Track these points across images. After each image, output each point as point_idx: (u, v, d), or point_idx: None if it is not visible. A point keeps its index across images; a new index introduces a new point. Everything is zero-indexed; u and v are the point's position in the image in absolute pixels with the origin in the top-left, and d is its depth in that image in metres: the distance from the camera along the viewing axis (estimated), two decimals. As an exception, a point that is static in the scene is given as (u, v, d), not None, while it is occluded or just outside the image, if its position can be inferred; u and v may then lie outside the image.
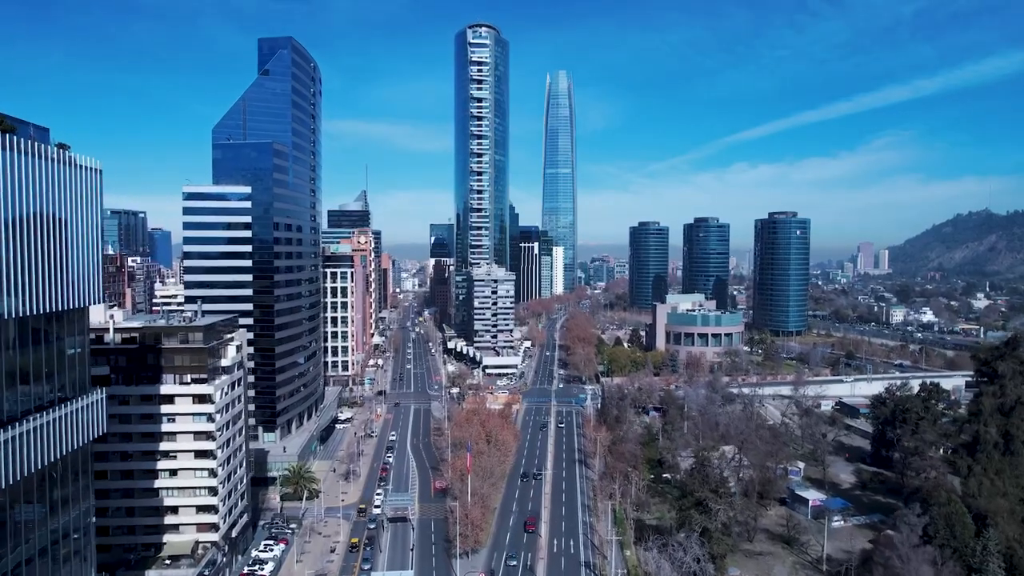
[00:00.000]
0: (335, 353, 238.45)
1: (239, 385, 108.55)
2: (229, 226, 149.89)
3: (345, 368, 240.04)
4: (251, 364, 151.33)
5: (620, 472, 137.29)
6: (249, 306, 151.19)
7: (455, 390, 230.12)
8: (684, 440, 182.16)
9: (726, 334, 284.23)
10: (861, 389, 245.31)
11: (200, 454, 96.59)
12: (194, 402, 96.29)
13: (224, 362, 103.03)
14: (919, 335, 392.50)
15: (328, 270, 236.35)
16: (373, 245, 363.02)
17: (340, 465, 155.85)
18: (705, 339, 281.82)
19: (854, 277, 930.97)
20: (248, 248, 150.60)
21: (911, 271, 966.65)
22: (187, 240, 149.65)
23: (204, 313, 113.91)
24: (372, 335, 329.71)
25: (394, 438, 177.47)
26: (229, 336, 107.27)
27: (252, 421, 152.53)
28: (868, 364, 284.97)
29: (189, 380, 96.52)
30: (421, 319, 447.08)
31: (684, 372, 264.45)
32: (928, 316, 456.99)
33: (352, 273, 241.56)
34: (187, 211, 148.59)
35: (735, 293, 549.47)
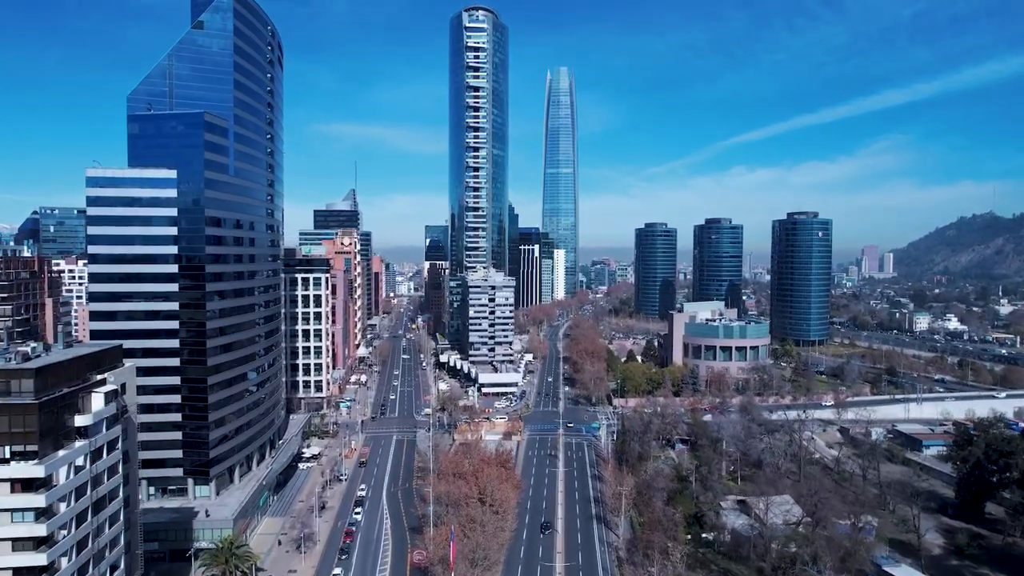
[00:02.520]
0: (307, 371, 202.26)
1: (115, 449, 72.32)
2: (147, 221, 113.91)
3: (319, 388, 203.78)
4: (176, 399, 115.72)
5: (656, 547, 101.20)
6: (175, 323, 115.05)
7: (445, 415, 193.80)
8: (724, 486, 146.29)
9: (751, 347, 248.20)
10: (914, 411, 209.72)
11: (21, 573, 60.26)
12: (15, 490, 60.06)
13: (80, 420, 66.86)
14: (951, 345, 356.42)
15: (299, 276, 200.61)
16: (359, 247, 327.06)
17: (294, 526, 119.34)
18: (728, 353, 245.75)
19: (859, 280, 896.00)
20: (172, 249, 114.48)
21: (916, 274, 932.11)
22: (91, 239, 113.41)
23: (73, 343, 77.80)
24: (357, 346, 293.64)
25: (363, 492, 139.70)
26: (98, 378, 71.02)
27: (179, 471, 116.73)
28: (912, 382, 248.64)
29: (8, 455, 60.33)
30: (414, 326, 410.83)
31: (707, 391, 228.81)
32: (953, 323, 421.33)
33: (327, 279, 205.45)
34: (92, 201, 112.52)
35: (743, 298, 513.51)
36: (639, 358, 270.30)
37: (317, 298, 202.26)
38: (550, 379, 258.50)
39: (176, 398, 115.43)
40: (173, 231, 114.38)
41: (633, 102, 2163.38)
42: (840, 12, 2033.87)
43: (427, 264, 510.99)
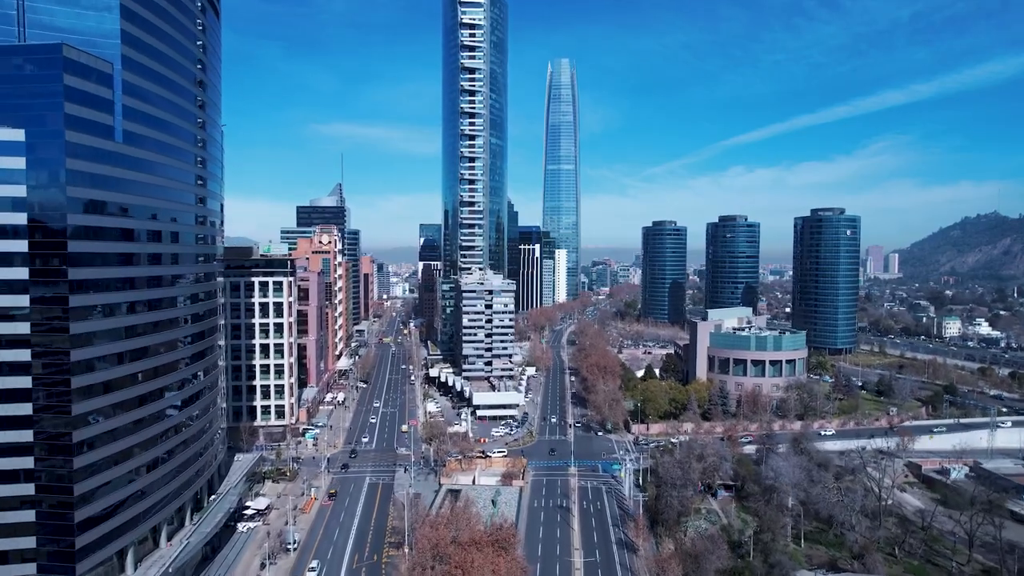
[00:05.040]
0: (265, 395, 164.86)
1: None
2: (-21, 204, 76.57)
3: (280, 415, 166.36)
4: (29, 462, 78.27)
5: None
6: (26, 353, 77.50)
7: (432, 447, 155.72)
8: (792, 558, 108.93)
9: (787, 361, 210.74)
10: (986, 439, 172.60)
11: None
12: None
13: None
14: (990, 353, 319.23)
15: (256, 280, 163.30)
16: (343, 246, 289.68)
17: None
18: (761, 367, 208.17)
19: (866, 281, 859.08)
20: (20, 245, 76.97)
21: (923, 275, 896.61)
22: None
23: None
24: (338, 357, 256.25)
25: (314, 571, 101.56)
26: None
27: (31, 569, 79.08)
28: (978, 403, 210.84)
29: None
30: (405, 332, 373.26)
31: (741, 413, 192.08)
32: (985, 328, 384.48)
33: (291, 283, 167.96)
34: None
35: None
36: (656, 371, 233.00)
37: (278, 306, 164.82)
38: (556, 398, 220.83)
39: (28, 461, 78.03)
40: (21, 219, 76.92)
41: (631, 103, 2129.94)
42: (838, 13, 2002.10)
43: (421, 265, 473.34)
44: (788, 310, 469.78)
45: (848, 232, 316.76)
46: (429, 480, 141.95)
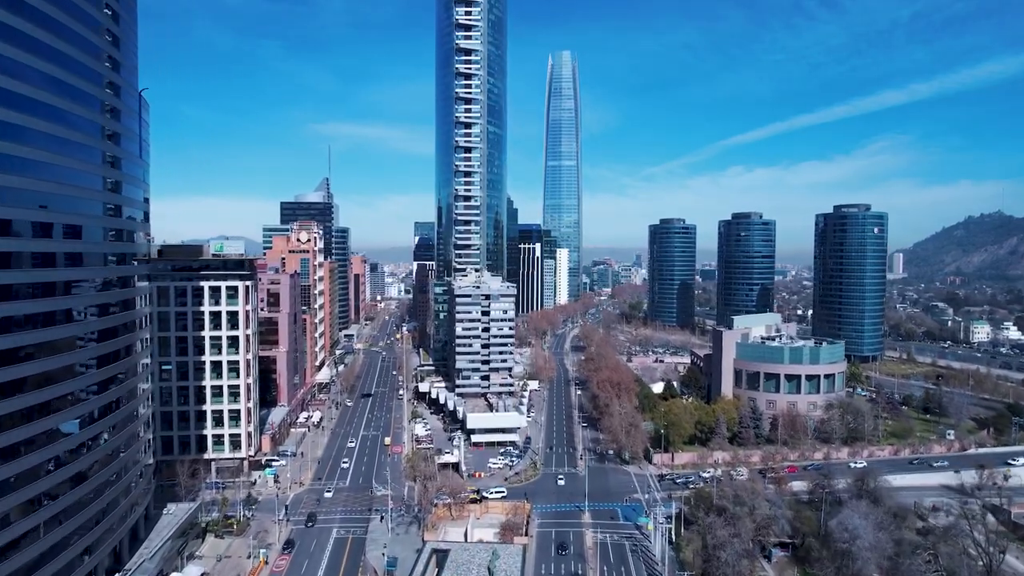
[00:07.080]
0: (218, 421, 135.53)
1: None
2: None
3: (236, 446, 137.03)
4: None
5: None
6: None
7: (417, 487, 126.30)
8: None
9: (825, 375, 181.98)
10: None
11: None
12: None
13: None
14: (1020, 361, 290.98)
15: (206, 284, 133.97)
16: (323, 245, 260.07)
17: None
18: (795, 383, 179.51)
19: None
20: None
21: (927, 275, 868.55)
22: None
23: None
24: (319, 368, 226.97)
25: None
26: None
27: None
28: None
29: None
30: (397, 336, 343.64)
31: (778, 438, 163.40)
32: (1015, 333, 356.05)
33: (248, 288, 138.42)
34: None
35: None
36: (675, 384, 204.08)
37: (233, 316, 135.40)
38: (562, 417, 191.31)
39: None
40: None
41: (630, 102, 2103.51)
42: (838, 12, 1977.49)
43: (415, 265, 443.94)
44: (799, 312, 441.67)
45: (875, 230, 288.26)
46: (411, 533, 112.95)
